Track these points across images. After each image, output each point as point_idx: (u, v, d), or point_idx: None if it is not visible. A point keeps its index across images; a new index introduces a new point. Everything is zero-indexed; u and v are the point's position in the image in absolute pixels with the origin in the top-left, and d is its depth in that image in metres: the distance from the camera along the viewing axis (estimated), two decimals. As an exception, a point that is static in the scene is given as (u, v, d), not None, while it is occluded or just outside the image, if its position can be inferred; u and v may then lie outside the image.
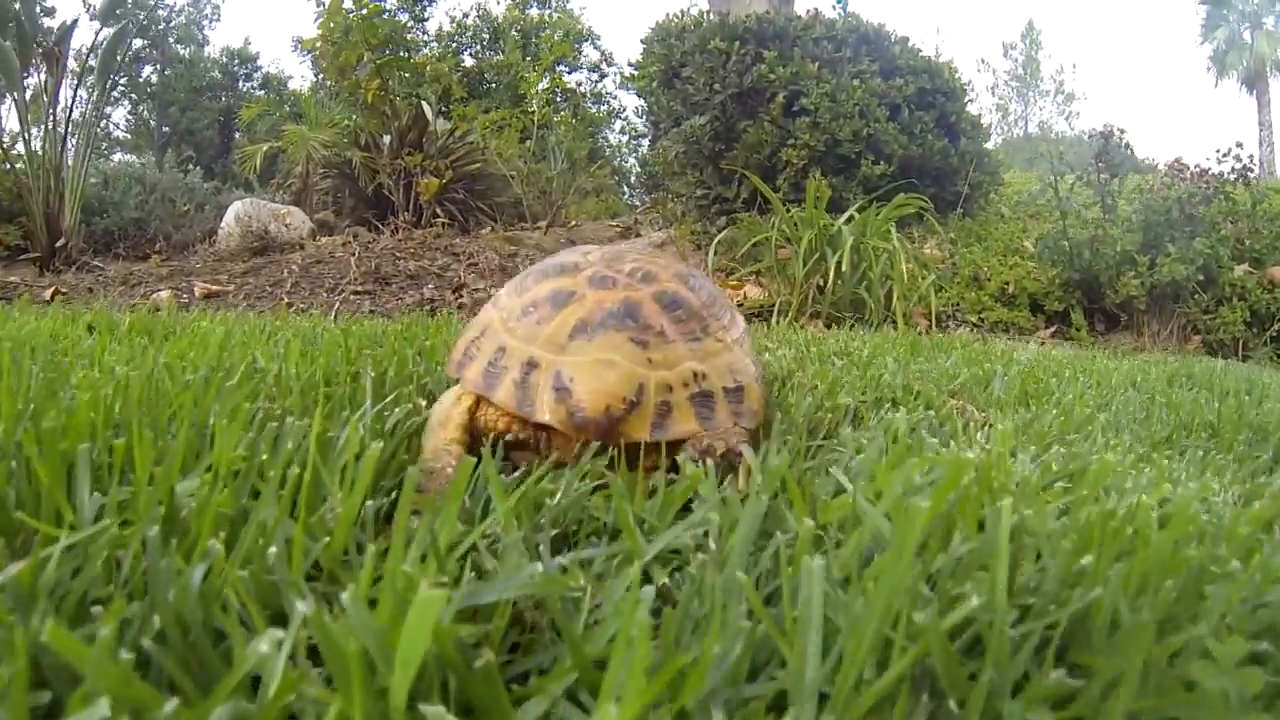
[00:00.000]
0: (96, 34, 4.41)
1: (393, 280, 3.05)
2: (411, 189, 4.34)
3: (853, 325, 2.77)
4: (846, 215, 3.07)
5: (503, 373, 0.72)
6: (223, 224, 4.67)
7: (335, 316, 2.55)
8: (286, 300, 2.74)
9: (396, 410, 0.74)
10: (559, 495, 0.58)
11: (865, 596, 0.38)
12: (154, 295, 2.78)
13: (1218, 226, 3.85)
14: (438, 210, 4.37)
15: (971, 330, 3.21)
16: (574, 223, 5.31)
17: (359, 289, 2.89)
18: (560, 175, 4.18)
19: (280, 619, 0.39)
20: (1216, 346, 3.70)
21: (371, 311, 2.66)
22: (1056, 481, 0.70)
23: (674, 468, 0.67)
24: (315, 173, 5.85)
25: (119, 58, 4.31)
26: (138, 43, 15.33)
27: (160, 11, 15.50)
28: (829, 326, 2.75)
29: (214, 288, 2.97)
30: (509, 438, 0.73)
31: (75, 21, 4.32)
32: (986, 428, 0.95)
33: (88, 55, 4.37)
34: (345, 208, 5.51)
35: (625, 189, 8.08)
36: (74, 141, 4.20)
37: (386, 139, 4.83)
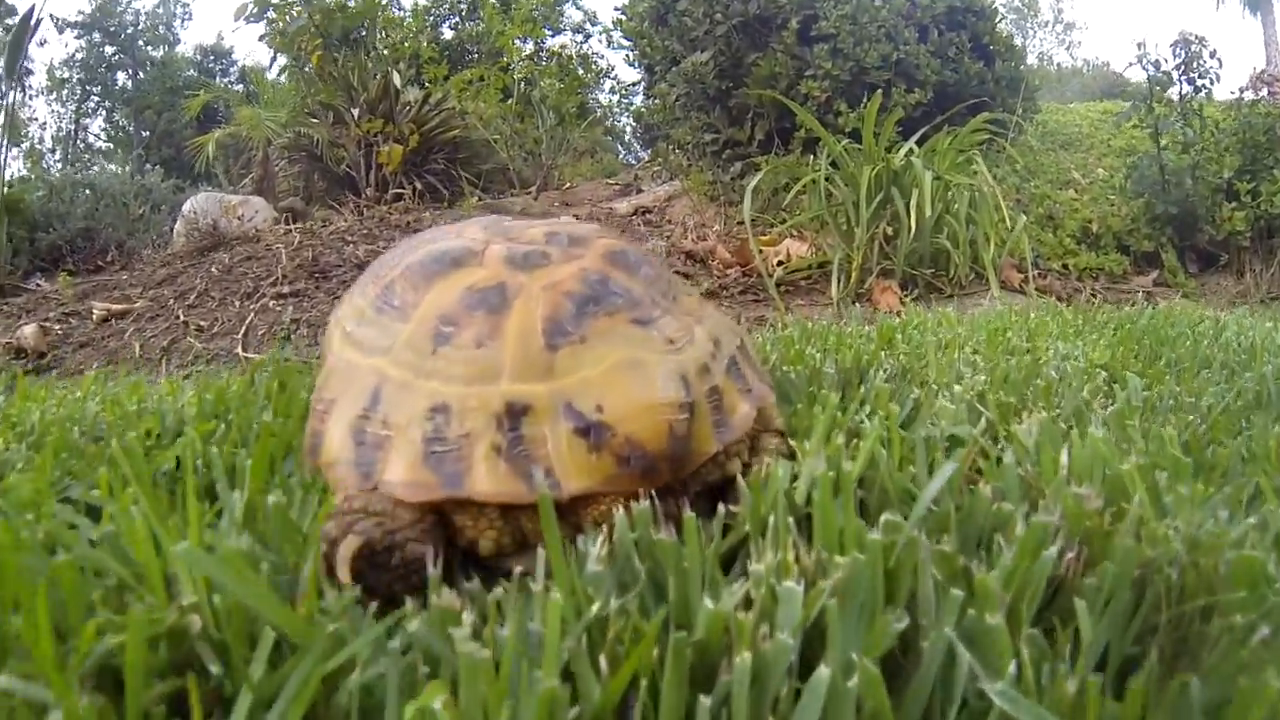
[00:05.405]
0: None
1: (333, 273, 2.47)
2: (374, 159, 3.81)
3: (933, 287, 2.20)
4: (905, 149, 2.48)
5: (464, 445, 0.42)
6: (177, 225, 4.22)
7: (245, 336, 2.02)
8: (184, 319, 2.20)
9: None
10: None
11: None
12: (19, 331, 2.16)
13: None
14: (415, 183, 3.82)
15: (1060, 281, 2.66)
16: (568, 184, 4.72)
17: (284, 290, 2.32)
18: (549, 133, 3.63)
19: None
20: (1320, 294, 3.16)
21: (294, 321, 2.12)
22: None
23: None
24: (281, 157, 5.34)
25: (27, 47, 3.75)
26: (109, 50, 14.83)
27: (127, 17, 14.98)
28: (904, 289, 2.19)
29: (116, 308, 2.41)
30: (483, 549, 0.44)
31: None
32: None
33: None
34: (315, 192, 5.00)
35: (620, 148, 7.46)
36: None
37: (356, 114, 4.30)
